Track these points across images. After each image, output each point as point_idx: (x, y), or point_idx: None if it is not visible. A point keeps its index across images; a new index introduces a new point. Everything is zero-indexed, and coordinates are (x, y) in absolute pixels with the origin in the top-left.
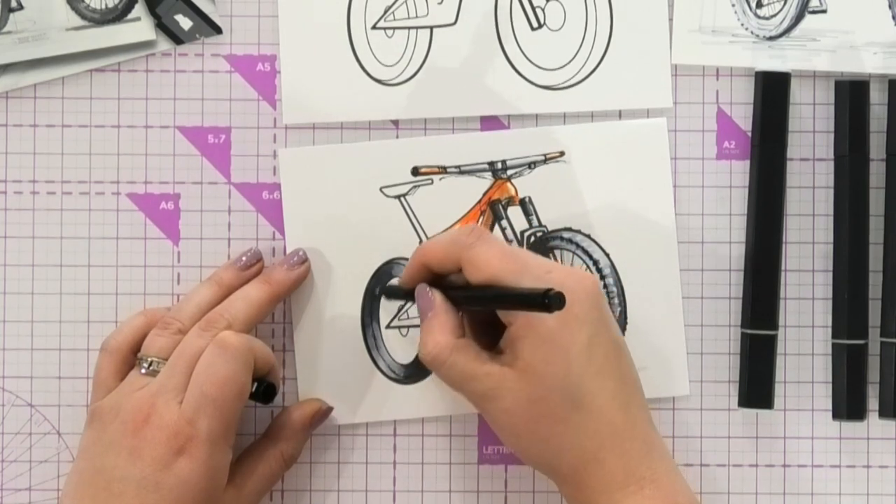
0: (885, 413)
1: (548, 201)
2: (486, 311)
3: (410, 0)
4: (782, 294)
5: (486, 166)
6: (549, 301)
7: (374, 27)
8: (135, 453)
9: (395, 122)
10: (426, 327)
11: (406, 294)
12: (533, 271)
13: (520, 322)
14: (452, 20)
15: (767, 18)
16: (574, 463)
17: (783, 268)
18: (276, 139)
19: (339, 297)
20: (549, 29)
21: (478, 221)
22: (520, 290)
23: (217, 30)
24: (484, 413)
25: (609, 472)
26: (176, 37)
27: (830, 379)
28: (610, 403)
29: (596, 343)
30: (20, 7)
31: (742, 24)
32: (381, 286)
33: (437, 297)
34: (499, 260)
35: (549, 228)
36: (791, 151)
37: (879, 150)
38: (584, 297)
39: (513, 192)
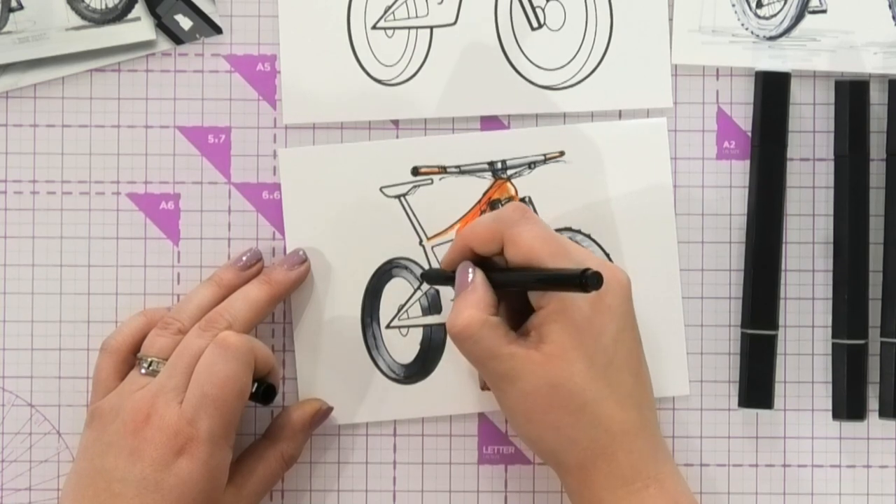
0: (885, 413)
1: (548, 201)
2: (522, 290)
3: (410, 0)
4: (782, 294)
5: (486, 166)
6: (586, 280)
7: (374, 27)
8: (135, 453)
9: (395, 122)
10: (460, 300)
11: (447, 278)
12: (572, 257)
13: (552, 306)
14: (452, 20)
15: (767, 18)
16: (583, 456)
17: (783, 268)
18: (276, 139)
19: (339, 297)
20: (549, 29)
21: None
22: (557, 270)
23: (217, 30)
24: (500, 395)
25: (616, 469)
26: (176, 37)
27: (830, 379)
28: (625, 400)
29: (622, 338)
30: (20, 7)
31: (742, 24)
32: (424, 271)
33: (477, 273)
34: (541, 241)
35: None
36: (791, 151)
37: (879, 150)
38: (618, 289)
39: (513, 192)
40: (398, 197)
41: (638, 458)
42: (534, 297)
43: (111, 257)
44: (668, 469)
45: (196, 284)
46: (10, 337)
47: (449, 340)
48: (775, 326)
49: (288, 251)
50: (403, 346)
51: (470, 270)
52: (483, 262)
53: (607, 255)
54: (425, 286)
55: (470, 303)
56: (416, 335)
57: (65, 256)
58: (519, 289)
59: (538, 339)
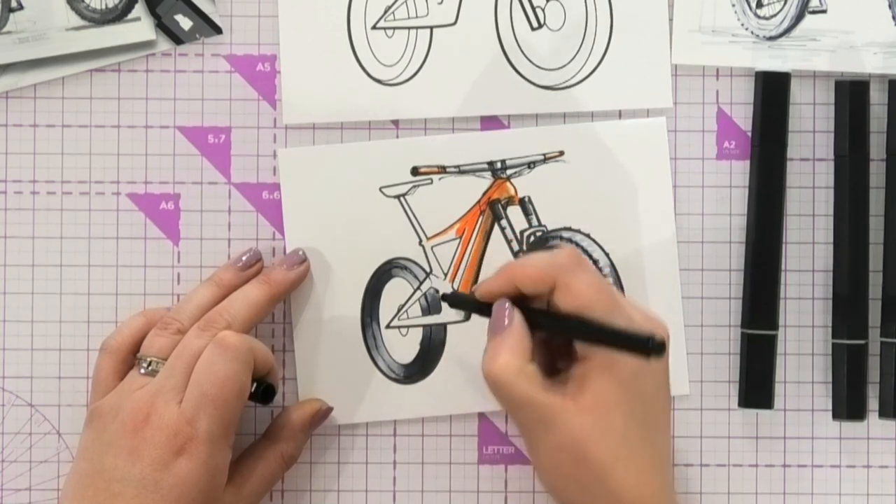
0: (885, 413)
1: (547, 201)
2: (572, 338)
3: (410, 0)
4: (782, 294)
5: (486, 166)
6: (651, 347)
7: (374, 27)
8: (134, 453)
9: (395, 122)
10: (496, 344)
11: (476, 306)
12: (623, 310)
13: (599, 360)
14: (452, 20)
15: (767, 18)
16: None
17: (783, 268)
18: (276, 139)
19: (339, 297)
20: (549, 29)
21: (477, 221)
22: (622, 330)
23: (217, 30)
24: (530, 444)
25: None
26: (176, 37)
27: (830, 379)
28: (655, 459)
29: (657, 396)
30: (20, 7)
31: (742, 24)
32: (445, 293)
33: (516, 315)
34: (595, 291)
35: (549, 228)
36: (791, 151)
37: (879, 150)
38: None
39: (512, 192)
40: (398, 197)
41: None
42: (580, 346)
43: (111, 257)
44: None
45: (196, 284)
46: (10, 337)
47: (448, 340)
48: (775, 326)
49: (288, 251)
50: (403, 346)
51: (508, 310)
52: (519, 301)
53: (607, 255)
54: (425, 286)
55: (507, 347)
56: (416, 335)
57: (65, 256)
58: (571, 337)
59: (576, 391)
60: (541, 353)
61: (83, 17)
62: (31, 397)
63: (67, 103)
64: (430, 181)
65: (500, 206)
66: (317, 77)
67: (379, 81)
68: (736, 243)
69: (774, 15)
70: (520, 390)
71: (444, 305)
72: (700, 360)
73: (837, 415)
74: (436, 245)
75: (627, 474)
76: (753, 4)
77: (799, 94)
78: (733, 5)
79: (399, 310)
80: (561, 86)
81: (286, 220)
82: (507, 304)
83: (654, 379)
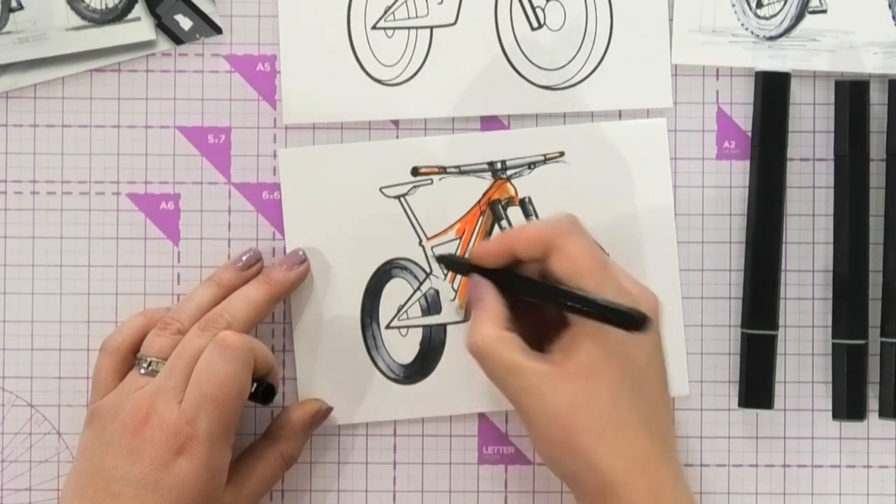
0: (885, 413)
1: (547, 201)
2: (561, 309)
3: (410, 0)
4: (782, 294)
5: (486, 166)
6: (634, 320)
7: (374, 27)
8: (134, 453)
9: (395, 122)
10: (474, 317)
11: (470, 269)
12: (615, 280)
13: (587, 326)
14: (452, 20)
15: (767, 18)
16: (603, 481)
17: (783, 268)
18: (276, 139)
19: (338, 297)
20: (549, 29)
21: (477, 222)
22: (606, 302)
23: (217, 30)
24: (521, 413)
25: (637, 496)
26: (176, 37)
27: (830, 379)
28: (647, 427)
29: (650, 366)
30: (20, 7)
31: (742, 24)
32: (441, 254)
33: (488, 287)
34: (588, 258)
35: None
36: (791, 151)
37: (879, 150)
38: (653, 317)
39: (512, 193)
40: (398, 197)
41: (658, 486)
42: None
43: (111, 257)
44: (687, 498)
45: (196, 284)
46: (10, 337)
47: (448, 340)
48: (775, 326)
49: (288, 251)
50: (403, 347)
51: (480, 283)
52: (511, 270)
53: (607, 255)
54: (425, 286)
55: (482, 318)
56: (416, 335)
57: (65, 256)
58: (557, 307)
59: (563, 358)
60: (532, 324)
61: (83, 17)
62: (31, 397)
63: (67, 103)
64: (430, 181)
65: (500, 206)
66: (317, 77)
67: (379, 81)
68: (736, 243)
69: (774, 15)
70: (500, 357)
71: (446, 305)
72: (700, 360)
73: (837, 415)
74: (436, 245)
75: (614, 444)
76: (753, 4)
77: (799, 94)
78: (733, 5)
79: (399, 310)
80: (561, 86)
81: (286, 220)
82: (478, 277)
83: (646, 349)
